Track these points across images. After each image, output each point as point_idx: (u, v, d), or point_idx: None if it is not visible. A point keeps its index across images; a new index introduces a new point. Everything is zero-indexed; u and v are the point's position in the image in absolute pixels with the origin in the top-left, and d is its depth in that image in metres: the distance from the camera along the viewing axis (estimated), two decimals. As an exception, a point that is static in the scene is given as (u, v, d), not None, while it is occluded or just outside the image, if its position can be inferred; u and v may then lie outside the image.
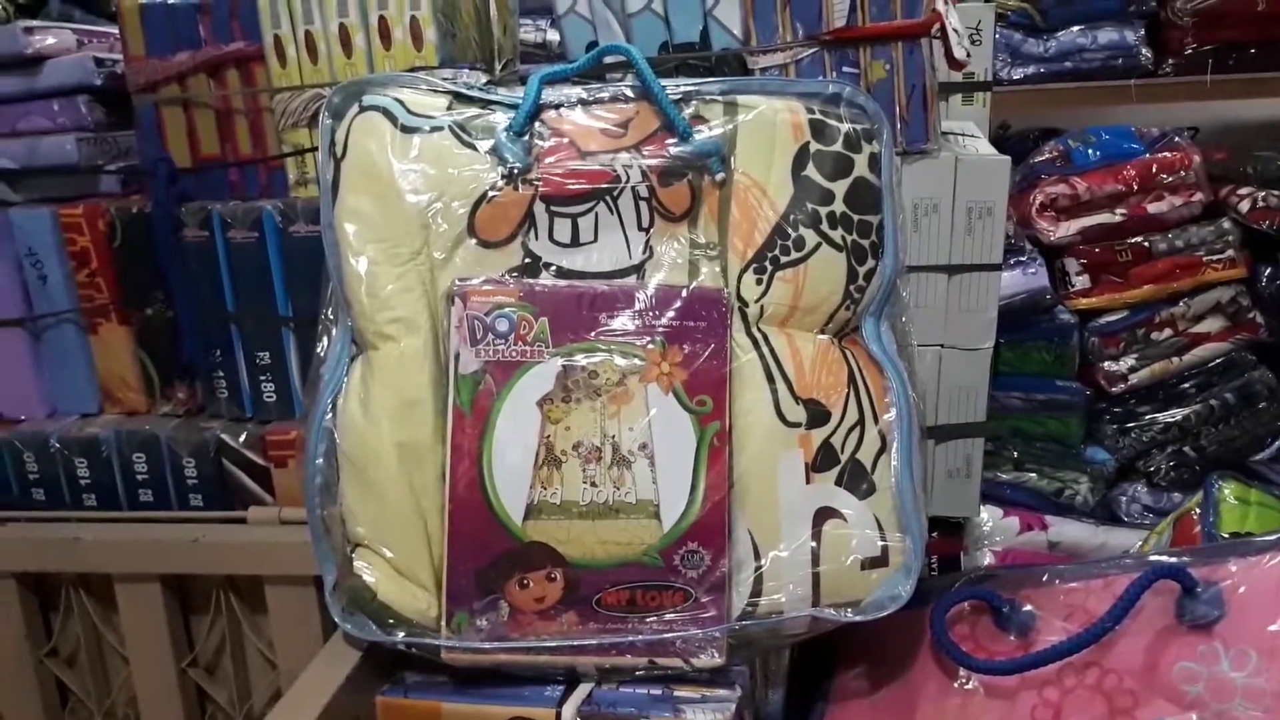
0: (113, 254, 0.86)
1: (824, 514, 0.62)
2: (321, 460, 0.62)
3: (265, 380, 0.86)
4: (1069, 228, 1.53)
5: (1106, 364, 1.56)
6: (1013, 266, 1.46)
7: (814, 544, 0.61)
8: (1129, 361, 1.56)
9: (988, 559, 1.48)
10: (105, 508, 0.86)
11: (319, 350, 0.64)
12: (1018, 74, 1.75)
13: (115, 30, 0.85)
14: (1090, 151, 1.56)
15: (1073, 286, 1.56)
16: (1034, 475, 1.62)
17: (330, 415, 0.62)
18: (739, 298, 0.62)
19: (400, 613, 0.61)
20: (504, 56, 0.90)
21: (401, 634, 0.61)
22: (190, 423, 0.87)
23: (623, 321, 0.61)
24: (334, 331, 0.64)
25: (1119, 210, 1.52)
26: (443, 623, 0.60)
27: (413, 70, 0.77)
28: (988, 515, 1.50)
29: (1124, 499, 1.61)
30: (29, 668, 0.86)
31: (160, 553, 0.80)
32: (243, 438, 0.85)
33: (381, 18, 0.78)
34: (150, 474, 0.86)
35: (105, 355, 0.88)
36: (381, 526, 0.61)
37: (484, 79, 0.72)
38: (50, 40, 0.86)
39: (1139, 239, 1.52)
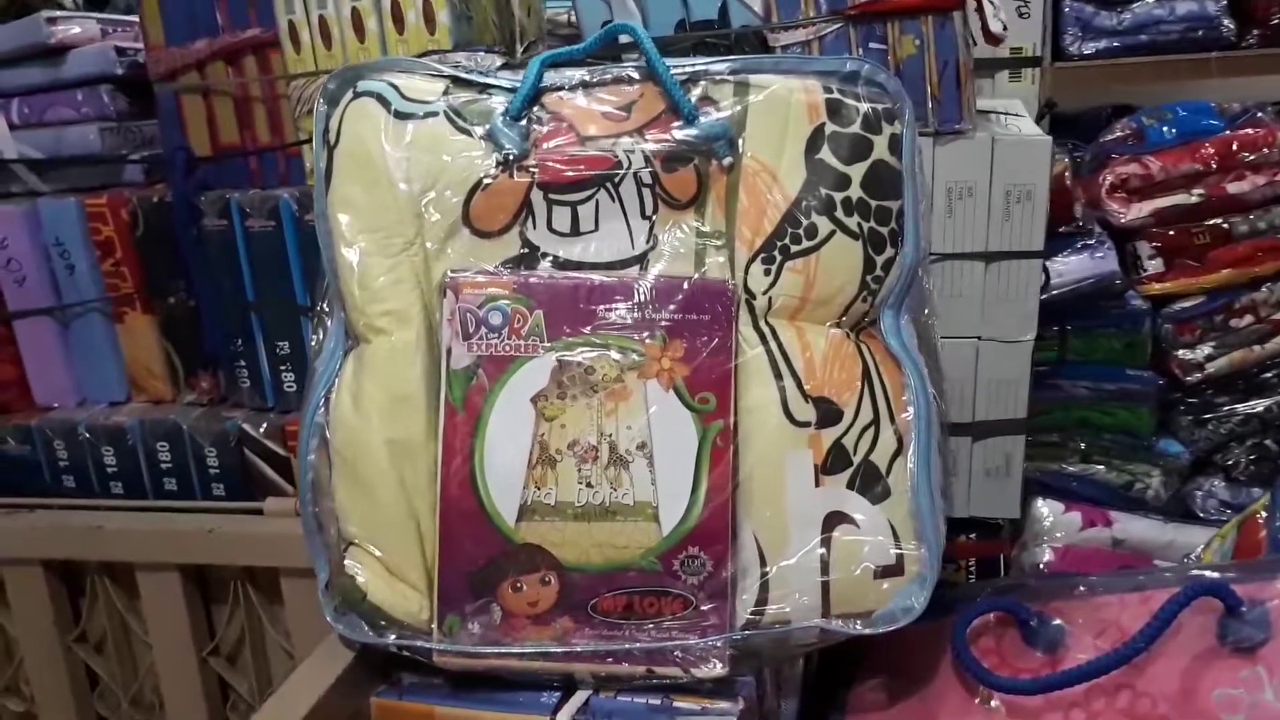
0: (135, 243, 0.86)
1: (834, 519, 0.58)
2: (313, 456, 0.60)
3: (285, 370, 0.85)
4: (1141, 209, 1.45)
5: (1181, 352, 1.47)
6: (1080, 250, 1.39)
7: (823, 550, 0.58)
8: (1206, 349, 1.48)
9: (1046, 556, 1.42)
10: (131, 496, 0.87)
11: (313, 343, 0.62)
12: (1089, 49, 1.66)
13: (137, 19, 0.85)
14: (1166, 129, 1.48)
15: (1145, 271, 1.48)
16: (1102, 468, 1.54)
17: (323, 410, 0.60)
18: (746, 289, 0.59)
19: (391, 614, 0.59)
20: (528, 38, 0.87)
21: (393, 636, 0.59)
22: (213, 412, 0.87)
23: (621, 314, 0.58)
24: (329, 324, 0.62)
25: (1196, 190, 1.43)
26: (434, 625, 0.58)
27: (426, 54, 0.75)
28: (1048, 510, 1.43)
29: (1199, 494, 1.52)
30: (58, 653, 0.87)
31: (178, 542, 0.80)
32: (263, 428, 0.84)
33: (394, 0, 0.76)
34: (174, 463, 0.86)
35: (131, 344, 0.89)
36: (372, 525, 0.59)
37: (499, 62, 0.69)
38: (74, 30, 0.86)
39: (1218, 221, 1.44)
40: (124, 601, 0.87)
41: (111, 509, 0.84)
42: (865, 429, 0.59)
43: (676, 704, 0.58)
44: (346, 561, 0.60)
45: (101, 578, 0.86)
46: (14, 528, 0.84)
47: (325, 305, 0.62)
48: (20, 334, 0.90)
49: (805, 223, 0.59)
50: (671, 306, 0.58)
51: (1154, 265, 1.49)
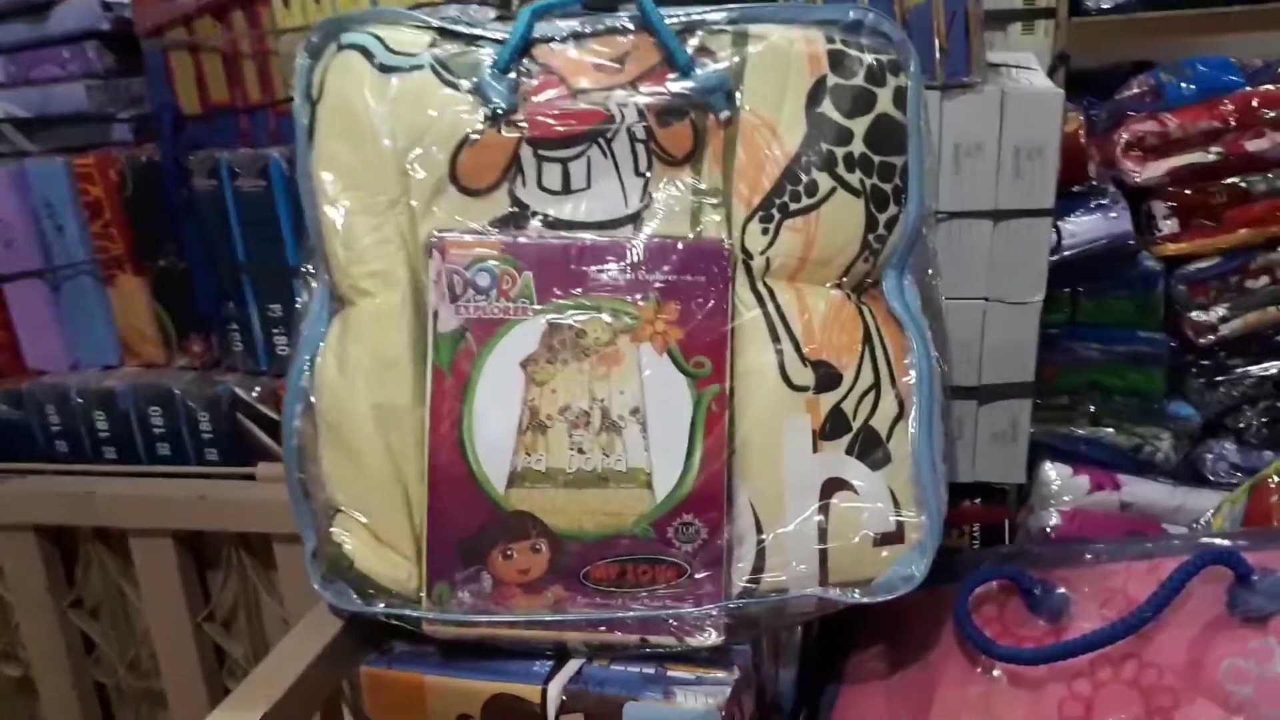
0: (124, 204, 0.84)
1: (833, 485, 0.57)
2: (299, 421, 0.59)
3: (278, 333, 0.84)
4: (1157, 168, 1.41)
5: (1195, 314, 1.44)
6: (1093, 210, 1.35)
7: (821, 518, 0.56)
8: (1220, 311, 1.45)
9: (1054, 519, 1.41)
10: (124, 460, 0.86)
11: (298, 305, 0.61)
12: (1108, 3, 1.62)
13: (123, -28, 0.83)
14: (1184, 85, 1.44)
15: (1159, 231, 1.44)
16: (1111, 431, 1.52)
17: (308, 373, 0.59)
18: (743, 249, 0.57)
19: (379, 582, 0.58)
20: (524, -10, 0.85)
21: (381, 604, 0.58)
22: (205, 376, 0.86)
23: (614, 276, 0.56)
24: (314, 286, 0.60)
25: (1214, 148, 1.40)
26: (423, 594, 0.57)
27: (417, 6, 0.73)
28: (1056, 474, 1.41)
29: (1210, 457, 1.50)
30: (53, 619, 0.87)
31: (170, 508, 0.79)
32: (256, 391, 0.83)
33: (383, -50, 0.74)
34: (166, 427, 0.85)
35: (123, 307, 0.87)
36: (359, 491, 0.58)
37: (493, 15, 0.67)
38: (58, -16, 0.84)
39: (1236, 180, 1.40)
40: (118, 567, 0.86)
41: (104, 474, 0.83)
42: (865, 393, 0.57)
43: (671, 673, 0.57)
44: (333, 529, 0.58)
45: (94, 543, 0.86)
46: (5, 493, 0.83)
47: (311, 266, 0.61)
48: (10, 297, 0.89)
49: (805, 179, 0.56)
50: (666, 267, 0.56)
51: (1169, 225, 1.45)
